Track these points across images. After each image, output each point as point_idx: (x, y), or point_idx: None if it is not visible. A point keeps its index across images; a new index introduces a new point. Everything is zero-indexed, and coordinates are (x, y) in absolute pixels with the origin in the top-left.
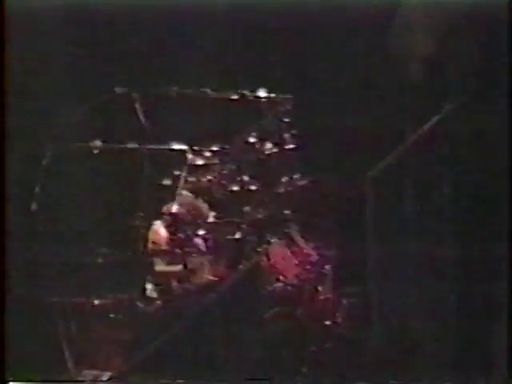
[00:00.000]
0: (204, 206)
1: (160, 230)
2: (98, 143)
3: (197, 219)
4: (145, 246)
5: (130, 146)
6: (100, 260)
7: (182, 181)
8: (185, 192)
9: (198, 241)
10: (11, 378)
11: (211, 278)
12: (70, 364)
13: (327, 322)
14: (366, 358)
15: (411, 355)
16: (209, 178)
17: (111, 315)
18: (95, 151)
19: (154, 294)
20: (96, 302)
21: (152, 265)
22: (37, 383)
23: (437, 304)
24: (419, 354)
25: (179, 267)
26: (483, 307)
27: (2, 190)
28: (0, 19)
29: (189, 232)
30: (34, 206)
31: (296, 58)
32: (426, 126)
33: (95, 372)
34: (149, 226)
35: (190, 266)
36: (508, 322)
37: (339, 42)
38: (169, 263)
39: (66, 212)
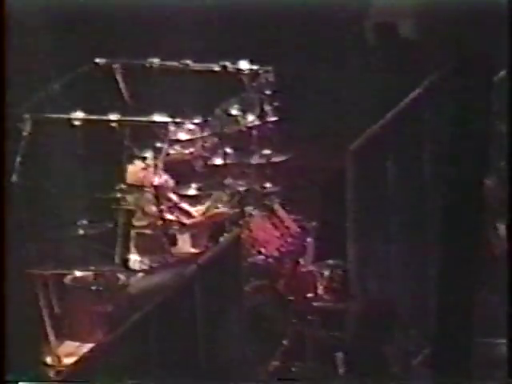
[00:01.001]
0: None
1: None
2: (79, 114)
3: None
4: (129, 218)
5: (112, 117)
6: (81, 231)
7: (163, 154)
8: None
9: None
10: (10, 378)
11: (192, 250)
12: (51, 336)
13: (308, 295)
14: (347, 329)
15: (390, 327)
16: (191, 150)
17: (93, 287)
18: (76, 122)
19: (137, 266)
20: (78, 273)
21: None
22: (37, 383)
23: (416, 276)
24: (398, 325)
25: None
26: (465, 277)
27: (1, 190)
28: (0, 19)
29: (171, 204)
30: (14, 178)
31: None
32: (408, 99)
33: (76, 344)
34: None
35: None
36: (508, 322)
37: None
38: (152, 235)
39: (46, 184)
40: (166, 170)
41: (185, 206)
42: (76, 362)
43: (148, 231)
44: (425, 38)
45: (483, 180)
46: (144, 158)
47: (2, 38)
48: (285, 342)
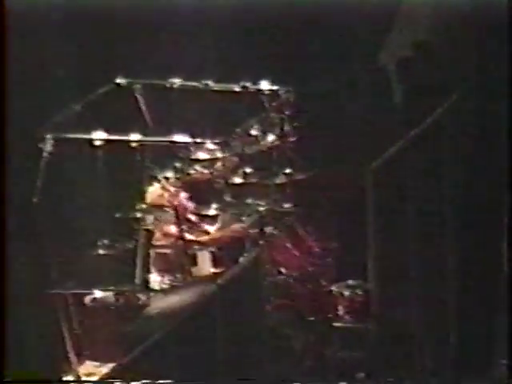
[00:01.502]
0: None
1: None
2: (100, 134)
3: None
4: (149, 238)
5: (133, 137)
6: (102, 251)
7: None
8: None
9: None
10: (10, 379)
11: (213, 269)
12: (71, 356)
13: (329, 315)
14: (368, 350)
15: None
16: (211, 170)
17: (112, 307)
18: (97, 143)
19: (156, 286)
20: (98, 293)
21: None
22: (37, 383)
23: (438, 300)
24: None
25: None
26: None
27: (2, 190)
28: (0, 19)
29: (190, 224)
30: (35, 199)
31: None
32: (429, 120)
33: (96, 363)
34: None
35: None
36: (508, 322)
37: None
38: (172, 255)
39: (68, 204)
40: (186, 190)
41: (205, 225)
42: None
43: (168, 251)
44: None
45: (503, 200)
46: (165, 178)
47: (2, 37)
48: (306, 362)
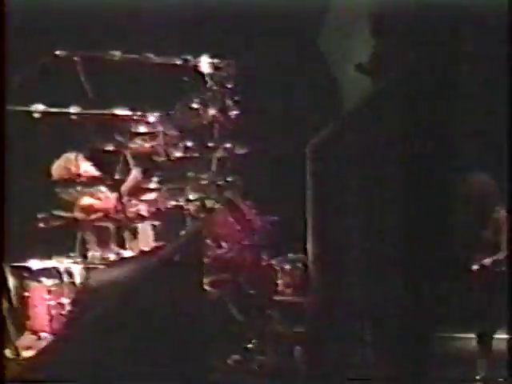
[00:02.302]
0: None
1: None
2: (39, 107)
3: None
4: (88, 212)
5: (73, 110)
6: (42, 225)
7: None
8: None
9: (141, 207)
10: (10, 378)
11: (154, 243)
12: (10, 329)
13: (269, 288)
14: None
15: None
16: (152, 143)
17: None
18: (36, 115)
19: (96, 260)
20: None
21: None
22: (37, 383)
23: (377, 273)
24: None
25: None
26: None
27: (2, 190)
28: (0, 19)
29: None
30: None
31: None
32: (366, 97)
33: (35, 336)
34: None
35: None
36: (508, 322)
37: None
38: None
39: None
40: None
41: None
42: (35, 356)
43: (109, 225)
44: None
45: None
46: (108, 152)
47: (2, 38)
48: (247, 336)
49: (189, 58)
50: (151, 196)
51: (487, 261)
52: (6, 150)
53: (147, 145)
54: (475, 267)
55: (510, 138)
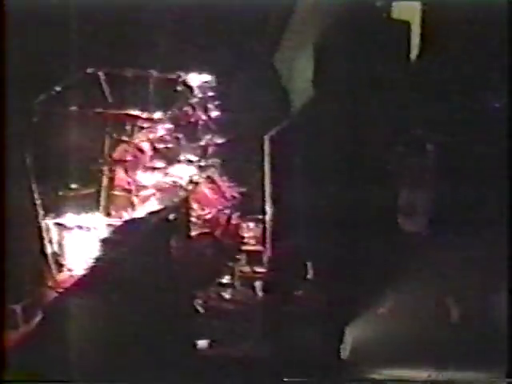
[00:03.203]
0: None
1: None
2: (74, 108)
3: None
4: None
5: (98, 110)
6: (72, 194)
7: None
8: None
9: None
10: (10, 378)
11: (157, 207)
12: (52, 267)
13: (237, 240)
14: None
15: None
16: (153, 135)
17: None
18: (71, 113)
19: (115, 218)
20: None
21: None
22: (37, 383)
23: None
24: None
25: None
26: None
27: (2, 190)
28: (0, 19)
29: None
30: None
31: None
32: (309, 102)
33: (71, 273)
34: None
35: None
36: (508, 322)
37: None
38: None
39: (51, 156)
40: (138, 149)
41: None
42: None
43: (122, 193)
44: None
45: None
46: (122, 141)
47: (2, 38)
48: (220, 276)
49: (181, 74)
50: (155, 172)
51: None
52: (5, 150)
53: (151, 135)
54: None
55: (510, 137)
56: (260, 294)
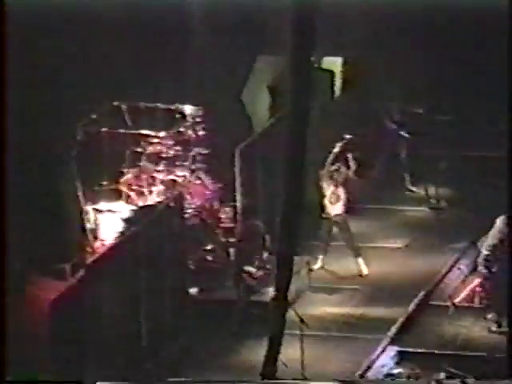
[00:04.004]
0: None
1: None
2: (104, 129)
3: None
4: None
5: (120, 131)
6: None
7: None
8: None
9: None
10: (10, 378)
11: (161, 197)
12: (90, 238)
13: (217, 220)
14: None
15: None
16: (160, 148)
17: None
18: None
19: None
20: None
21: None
22: (37, 383)
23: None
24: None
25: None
26: None
27: (2, 190)
28: (0, 19)
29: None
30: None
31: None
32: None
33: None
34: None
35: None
36: (508, 323)
37: None
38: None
39: (89, 162)
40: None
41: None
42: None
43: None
44: None
45: None
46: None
47: (2, 38)
48: (205, 243)
49: (178, 106)
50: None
51: None
52: (6, 150)
53: (158, 148)
54: None
55: (510, 137)
56: (232, 257)
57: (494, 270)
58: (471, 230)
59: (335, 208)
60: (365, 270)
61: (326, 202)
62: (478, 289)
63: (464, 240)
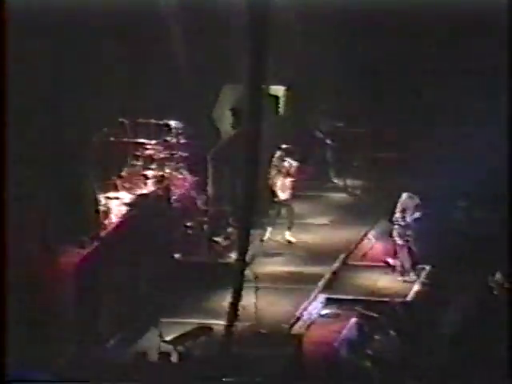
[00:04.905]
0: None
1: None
2: (112, 139)
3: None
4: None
5: (124, 140)
6: (111, 182)
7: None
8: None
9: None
10: (11, 378)
11: (153, 188)
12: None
13: (193, 205)
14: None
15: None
16: (152, 152)
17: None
18: (111, 141)
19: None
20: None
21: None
22: (37, 383)
23: None
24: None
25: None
26: None
27: (2, 191)
28: (0, 19)
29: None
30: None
31: None
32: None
33: None
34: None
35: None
36: (508, 323)
37: None
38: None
39: (101, 162)
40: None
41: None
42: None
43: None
44: None
45: None
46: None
47: (2, 38)
48: (185, 221)
49: (166, 121)
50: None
51: None
52: (6, 150)
53: (151, 152)
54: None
55: (510, 137)
56: (205, 231)
57: (402, 235)
58: (376, 210)
59: (284, 195)
60: (292, 239)
61: (278, 190)
62: (388, 250)
63: (372, 217)
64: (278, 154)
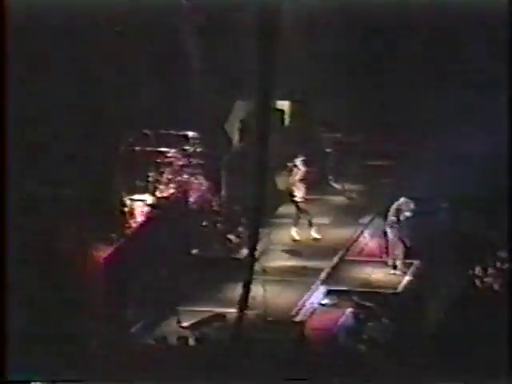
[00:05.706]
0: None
1: None
2: (137, 148)
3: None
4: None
5: (148, 149)
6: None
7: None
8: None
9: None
10: (11, 378)
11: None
12: None
13: (210, 206)
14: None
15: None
16: (172, 159)
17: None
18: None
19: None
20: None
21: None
22: (37, 383)
23: None
24: None
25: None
26: None
27: (2, 192)
28: (0, 19)
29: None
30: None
31: None
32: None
33: None
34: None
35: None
36: (508, 324)
37: None
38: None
39: (126, 169)
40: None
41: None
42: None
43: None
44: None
45: None
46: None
47: (2, 38)
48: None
49: (184, 132)
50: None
51: None
52: (6, 150)
53: (171, 160)
54: None
55: (510, 136)
56: (219, 229)
57: (394, 233)
58: (371, 211)
59: (301, 196)
60: (318, 236)
61: (296, 191)
62: (381, 247)
63: (367, 218)
64: (298, 160)
